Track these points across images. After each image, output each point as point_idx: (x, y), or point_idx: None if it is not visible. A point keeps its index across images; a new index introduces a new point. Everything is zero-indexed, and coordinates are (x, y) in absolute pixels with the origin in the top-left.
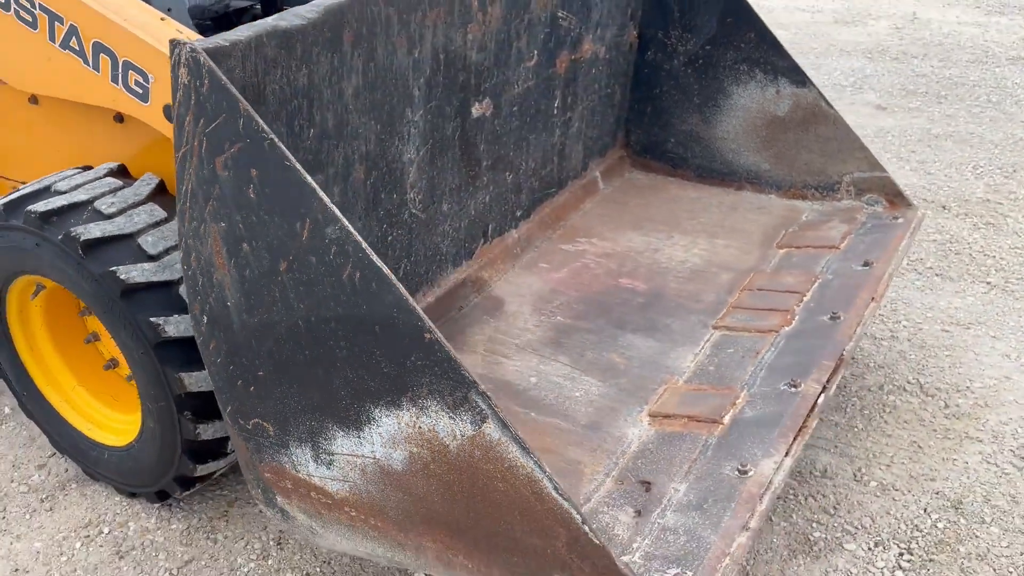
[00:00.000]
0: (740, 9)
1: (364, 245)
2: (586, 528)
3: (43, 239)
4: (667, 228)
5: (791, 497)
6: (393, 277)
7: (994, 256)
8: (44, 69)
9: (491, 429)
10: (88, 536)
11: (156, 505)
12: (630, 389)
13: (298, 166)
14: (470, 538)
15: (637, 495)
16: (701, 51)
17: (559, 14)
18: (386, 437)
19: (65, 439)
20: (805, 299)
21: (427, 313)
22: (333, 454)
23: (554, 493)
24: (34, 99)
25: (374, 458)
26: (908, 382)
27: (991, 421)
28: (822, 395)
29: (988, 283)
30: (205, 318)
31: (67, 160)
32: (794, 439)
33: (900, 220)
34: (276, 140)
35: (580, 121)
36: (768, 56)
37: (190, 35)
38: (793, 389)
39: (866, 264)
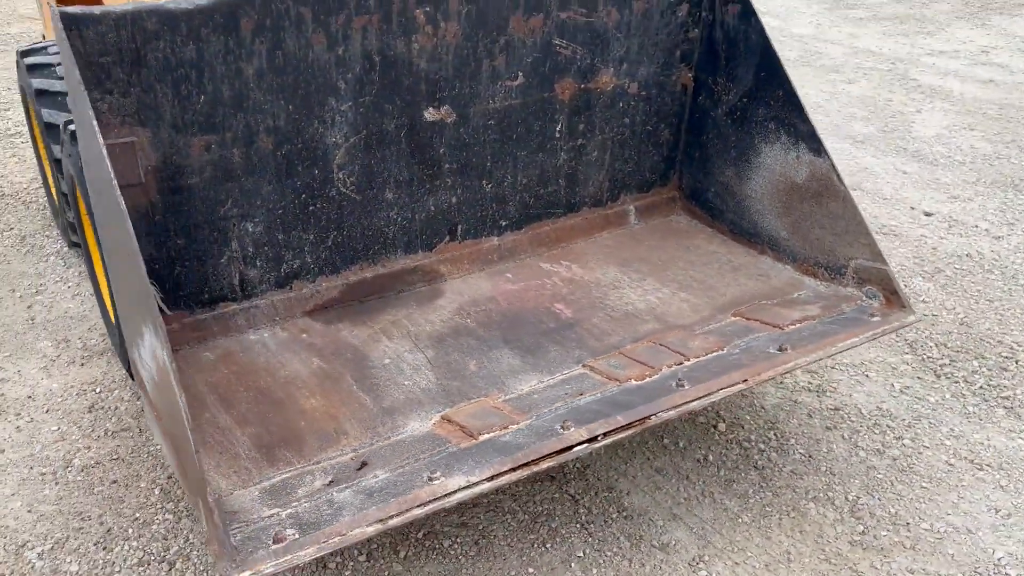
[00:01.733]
0: (772, 65)
1: (114, 182)
2: (196, 459)
3: None
4: (650, 271)
5: (608, 554)
6: (124, 210)
7: None
8: None
9: (166, 359)
10: (84, 391)
11: None
12: (452, 392)
13: (88, 109)
14: (182, 453)
15: (349, 470)
16: (739, 103)
17: (555, 42)
18: (146, 350)
19: (103, 313)
20: (684, 363)
21: (361, 287)
22: (142, 358)
23: (186, 424)
24: None
25: (148, 367)
26: (845, 498)
27: (896, 565)
28: (581, 445)
29: None
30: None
31: None
32: (509, 470)
33: (875, 319)
34: (81, 84)
35: (602, 151)
36: (792, 117)
37: None
38: (561, 431)
39: (780, 349)
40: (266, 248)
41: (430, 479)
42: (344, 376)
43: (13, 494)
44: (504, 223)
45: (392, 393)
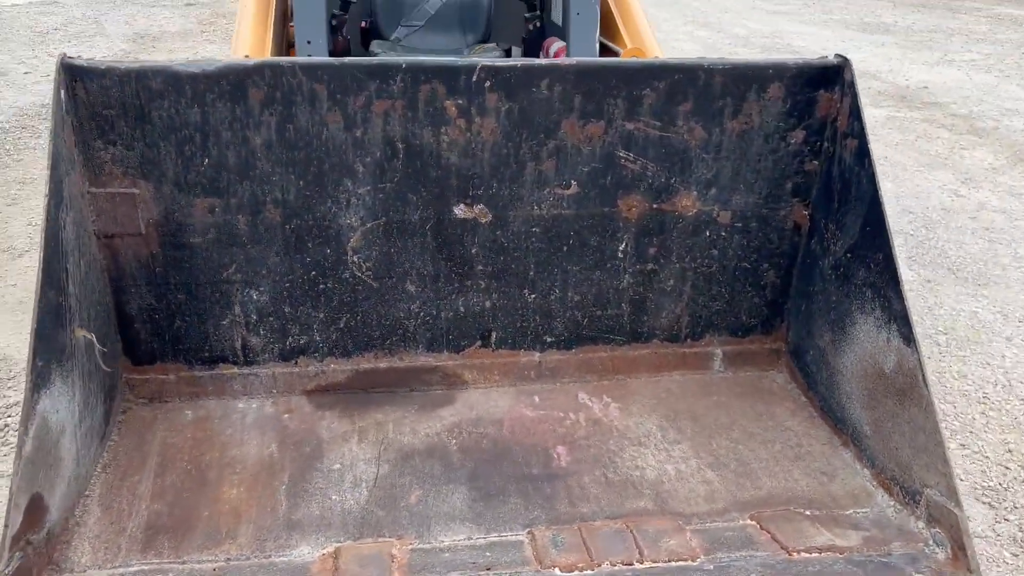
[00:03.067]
0: (878, 220)
1: (45, 223)
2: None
3: None
4: (693, 434)
5: None
6: (40, 263)
7: None
8: None
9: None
10: None
11: None
12: (369, 523)
13: (53, 154)
14: None
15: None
16: (844, 257)
17: (619, 154)
18: None
19: None
20: (634, 565)
21: (372, 376)
22: None
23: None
24: None
25: None
26: None
27: None
28: None
29: None
30: None
31: None
32: None
33: None
34: (54, 133)
35: (680, 281)
36: (887, 289)
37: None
38: None
39: None
40: (271, 319)
41: None
42: (283, 473)
43: None
44: (549, 339)
45: (312, 506)
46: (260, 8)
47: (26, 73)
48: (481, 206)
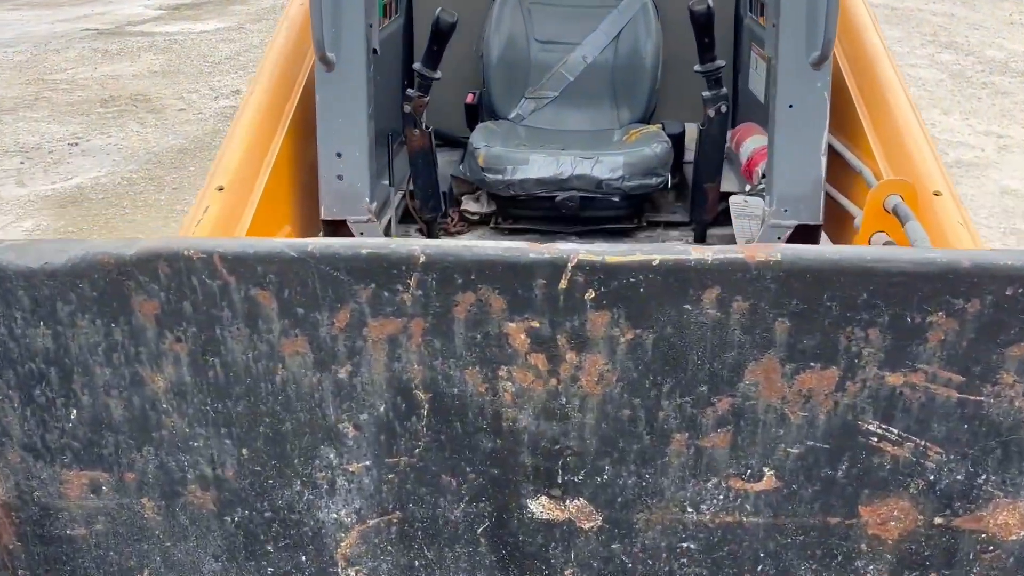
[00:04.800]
0: None
1: None
2: None
3: None
4: None
5: None
6: None
7: None
8: None
9: None
10: None
11: None
12: None
13: None
14: None
15: None
16: None
17: (866, 426)
18: None
19: None
20: None
21: None
22: None
23: None
24: None
25: None
26: None
27: None
28: None
29: None
30: None
31: None
32: None
33: None
34: None
35: None
36: None
37: None
38: None
39: None
40: None
41: None
42: None
43: None
44: None
45: None
46: (275, 94)
47: (180, 110)
48: (580, 501)
